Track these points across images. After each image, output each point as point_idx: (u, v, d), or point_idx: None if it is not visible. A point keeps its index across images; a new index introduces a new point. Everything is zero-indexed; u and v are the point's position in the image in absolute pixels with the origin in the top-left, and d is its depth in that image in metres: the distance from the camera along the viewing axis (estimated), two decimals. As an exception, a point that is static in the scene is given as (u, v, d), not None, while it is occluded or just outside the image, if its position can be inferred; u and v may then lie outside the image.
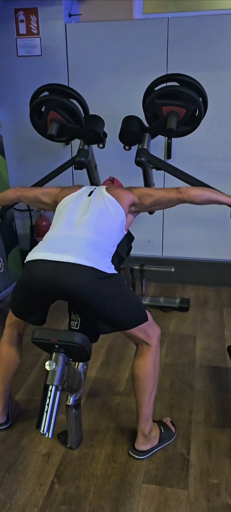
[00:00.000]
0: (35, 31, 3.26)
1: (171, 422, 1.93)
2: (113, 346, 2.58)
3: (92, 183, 2.62)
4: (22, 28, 3.28)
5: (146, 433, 1.76)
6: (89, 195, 1.90)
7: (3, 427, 1.95)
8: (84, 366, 1.89)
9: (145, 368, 1.71)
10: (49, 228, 1.85)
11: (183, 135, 2.30)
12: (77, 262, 1.56)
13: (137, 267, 2.97)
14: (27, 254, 3.58)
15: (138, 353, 1.74)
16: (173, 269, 2.86)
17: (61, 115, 2.40)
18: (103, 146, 2.43)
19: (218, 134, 3.11)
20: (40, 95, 2.46)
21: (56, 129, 2.37)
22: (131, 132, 2.21)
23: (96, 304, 1.60)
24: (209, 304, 3.10)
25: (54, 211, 2.08)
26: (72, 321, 1.79)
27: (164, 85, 2.21)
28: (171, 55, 3.02)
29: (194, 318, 2.92)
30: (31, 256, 1.68)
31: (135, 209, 1.94)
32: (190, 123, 2.25)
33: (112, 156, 2.94)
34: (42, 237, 3.54)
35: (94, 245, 1.66)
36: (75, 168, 2.48)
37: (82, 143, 2.40)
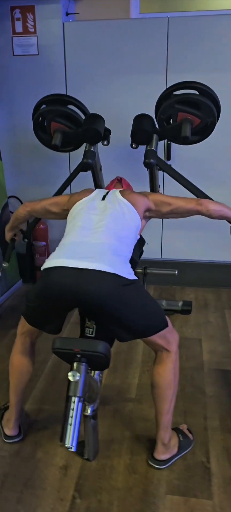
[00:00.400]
0: (32, 30, 3.19)
1: (187, 429, 1.91)
2: (119, 352, 2.55)
3: (96, 185, 2.58)
4: (19, 27, 3.20)
5: (166, 442, 1.74)
6: (103, 199, 1.87)
7: (16, 439, 1.89)
8: (100, 375, 1.85)
9: (165, 375, 1.69)
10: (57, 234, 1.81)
11: (191, 143, 2.29)
12: (100, 269, 1.53)
13: (139, 270, 2.93)
14: (24, 258, 3.54)
15: (158, 360, 1.71)
16: (176, 272, 2.85)
17: (63, 123, 2.37)
18: (108, 143, 2.41)
19: (218, 136, 3.09)
20: (39, 110, 2.42)
21: (60, 139, 2.36)
22: (145, 131, 2.17)
23: (120, 312, 1.56)
24: (210, 306, 3.11)
25: (63, 219, 2.04)
26: (87, 328, 1.75)
27: (184, 91, 2.20)
28: (171, 55, 3.00)
29: (196, 321, 2.92)
30: (49, 263, 1.62)
31: (149, 214, 1.92)
32: (199, 134, 2.25)
33: (110, 157, 2.91)
34: (40, 240, 3.51)
35: (115, 251, 1.63)
36: (81, 170, 2.44)
37: (88, 145, 2.37)
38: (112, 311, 1.55)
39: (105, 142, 2.37)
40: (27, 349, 1.84)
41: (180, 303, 3.02)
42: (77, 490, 1.66)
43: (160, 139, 2.31)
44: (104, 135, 2.35)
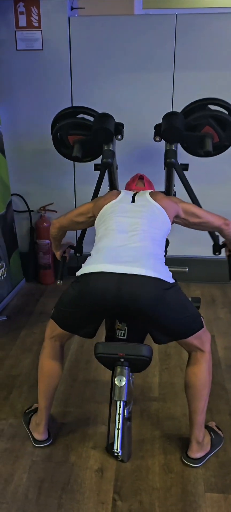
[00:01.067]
0: (36, 24, 3.12)
1: (216, 426, 1.94)
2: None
3: (112, 184, 2.56)
4: (22, 21, 3.13)
5: (200, 440, 1.77)
6: (132, 200, 1.87)
7: (47, 443, 1.88)
8: (132, 376, 1.85)
9: (201, 375, 1.71)
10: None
11: (201, 156, 2.33)
12: (144, 274, 1.53)
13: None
14: (27, 257, 3.51)
15: (192, 361, 1.73)
16: (187, 269, 2.87)
17: (79, 133, 2.38)
18: (122, 137, 2.41)
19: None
20: (54, 129, 2.45)
21: (79, 149, 2.36)
22: (179, 130, 2.19)
23: (162, 316, 1.57)
24: (218, 302, 3.16)
25: (91, 226, 2.02)
26: (119, 330, 1.75)
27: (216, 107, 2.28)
28: (178, 52, 3.00)
29: (206, 317, 2.95)
30: (88, 268, 1.61)
31: (176, 220, 1.93)
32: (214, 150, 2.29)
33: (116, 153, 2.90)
34: (44, 239, 3.48)
35: (154, 255, 1.63)
36: (96, 170, 2.44)
37: (106, 145, 2.35)
38: (155, 315, 1.56)
39: (119, 137, 2.36)
40: (57, 352, 1.83)
41: (189, 299, 3.05)
42: (116, 492, 1.66)
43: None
44: (118, 130, 2.34)
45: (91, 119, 2.41)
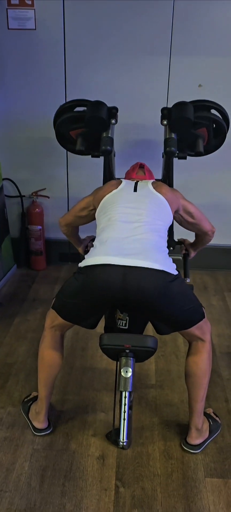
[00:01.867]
0: (29, 2, 3.03)
1: (213, 412, 1.99)
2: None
3: (110, 171, 2.54)
4: (15, -2, 3.03)
5: (199, 427, 1.80)
6: (135, 190, 1.86)
7: (47, 432, 1.88)
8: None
9: (202, 365, 1.74)
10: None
11: (189, 155, 2.38)
12: (149, 267, 1.53)
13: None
14: (18, 243, 3.46)
15: (193, 350, 1.76)
16: (181, 257, 2.89)
17: (79, 127, 2.35)
18: (116, 122, 2.38)
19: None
20: (57, 122, 2.41)
21: (82, 142, 2.33)
22: (191, 122, 2.18)
23: (167, 308, 1.59)
24: (210, 289, 3.20)
25: (94, 219, 2.01)
26: (120, 320, 1.76)
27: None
28: (175, 37, 2.95)
29: (199, 304, 3.00)
30: (92, 260, 1.60)
31: (174, 215, 1.93)
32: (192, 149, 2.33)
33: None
34: (36, 224, 3.43)
35: (158, 247, 1.64)
36: (94, 156, 2.41)
37: (105, 132, 2.32)
38: (160, 307, 1.58)
39: (113, 121, 2.32)
40: (58, 342, 1.83)
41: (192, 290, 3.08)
42: (119, 479, 1.69)
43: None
44: (111, 114, 2.31)
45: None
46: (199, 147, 2.22)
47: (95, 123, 2.27)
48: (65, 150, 3.28)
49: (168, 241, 2.24)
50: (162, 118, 2.28)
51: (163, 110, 2.30)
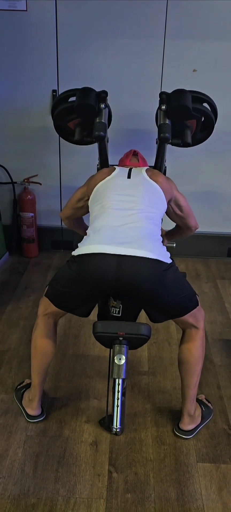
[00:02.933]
0: (20, -17, 2.96)
1: (205, 399, 2.01)
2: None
3: (102, 157, 2.52)
4: (5, -21, 2.96)
5: (192, 413, 1.82)
6: (128, 177, 1.85)
7: (40, 419, 1.89)
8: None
9: (195, 352, 1.75)
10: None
11: (175, 144, 2.35)
12: (142, 255, 1.53)
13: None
14: (10, 230, 3.43)
15: (187, 338, 1.77)
16: (174, 245, 2.89)
17: (76, 118, 2.31)
18: (106, 106, 2.35)
19: (220, 108, 3.09)
20: (54, 115, 2.38)
21: (79, 132, 2.31)
22: (190, 110, 2.16)
23: (161, 296, 1.59)
24: (202, 277, 3.21)
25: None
26: (113, 308, 1.76)
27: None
28: (170, 20, 2.91)
29: (191, 291, 3.01)
30: (86, 249, 1.60)
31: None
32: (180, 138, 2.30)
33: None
34: (28, 211, 3.41)
35: (152, 235, 1.64)
36: (87, 143, 2.39)
37: (98, 118, 2.30)
38: (154, 296, 1.58)
39: (102, 106, 2.29)
40: (51, 330, 1.82)
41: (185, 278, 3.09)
42: (112, 465, 1.70)
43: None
44: (101, 99, 2.28)
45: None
46: (187, 137, 2.21)
47: (85, 110, 2.24)
48: (58, 137, 3.26)
49: None
50: (161, 102, 2.25)
51: (162, 94, 2.27)
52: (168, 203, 1.90)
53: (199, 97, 2.26)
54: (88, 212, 1.88)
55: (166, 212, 2.00)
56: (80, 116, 2.27)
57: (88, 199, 1.88)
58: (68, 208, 2.05)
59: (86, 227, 2.15)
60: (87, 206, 1.90)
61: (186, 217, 2.01)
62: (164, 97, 2.23)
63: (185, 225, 2.08)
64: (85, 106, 2.22)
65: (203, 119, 2.29)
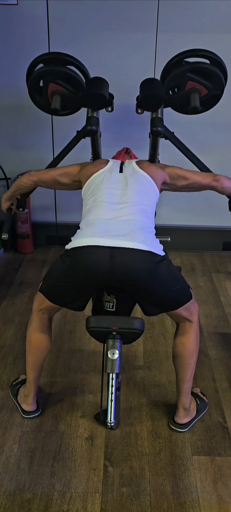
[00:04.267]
0: None
1: (201, 392, 2.01)
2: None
3: (95, 152, 2.51)
4: None
5: (187, 407, 1.83)
6: (121, 171, 1.84)
7: (36, 414, 1.89)
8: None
9: (189, 345, 1.75)
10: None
11: (196, 113, 2.29)
12: (136, 247, 1.53)
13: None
14: (7, 230, 3.42)
15: (180, 331, 1.77)
16: (169, 239, 2.89)
17: (62, 85, 2.25)
18: (112, 109, 2.33)
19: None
20: (36, 69, 2.27)
21: (60, 102, 2.22)
22: (157, 97, 2.13)
23: (154, 289, 1.59)
24: (197, 271, 3.22)
25: (73, 190, 2.00)
26: (107, 302, 1.76)
27: (195, 59, 2.17)
28: (161, 13, 2.89)
29: (186, 285, 3.01)
30: (79, 242, 1.59)
31: (164, 187, 1.93)
32: (204, 104, 2.25)
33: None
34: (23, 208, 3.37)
35: (145, 228, 1.64)
36: (83, 137, 2.37)
37: (90, 110, 2.29)
38: (147, 288, 1.58)
39: (109, 109, 2.29)
40: (46, 325, 1.82)
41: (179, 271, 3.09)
42: (107, 459, 1.71)
43: (164, 107, 2.28)
44: (108, 101, 2.28)
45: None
46: (191, 102, 2.11)
47: (96, 99, 2.19)
48: (51, 132, 3.25)
49: (229, 203, 2.15)
50: (137, 106, 2.25)
51: (137, 98, 2.26)
52: (164, 185, 1.89)
53: (178, 60, 2.20)
54: (66, 190, 1.93)
55: (175, 191, 1.96)
56: (90, 102, 2.22)
57: (77, 181, 1.88)
58: (48, 175, 1.99)
59: (10, 199, 2.14)
60: (71, 185, 1.92)
61: (194, 179, 1.89)
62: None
63: (204, 187, 1.93)
64: (101, 97, 2.18)
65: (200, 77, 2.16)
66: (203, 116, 2.47)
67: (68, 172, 1.96)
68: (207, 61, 2.18)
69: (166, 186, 1.93)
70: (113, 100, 2.36)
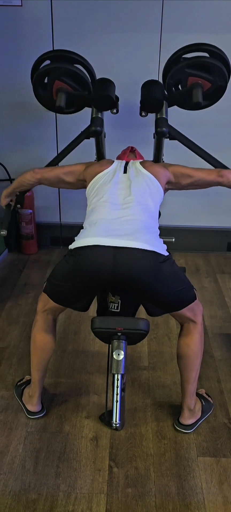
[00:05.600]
0: (15, -22, 2.95)
1: (206, 393, 2.01)
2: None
3: (99, 153, 2.51)
4: None
5: (192, 408, 1.82)
6: (125, 171, 1.84)
7: (40, 415, 1.89)
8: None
9: (193, 346, 1.75)
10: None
11: (201, 108, 2.28)
12: (140, 247, 1.53)
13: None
14: (9, 227, 3.43)
15: (185, 332, 1.77)
16: (173, 239, 2.88)
17: (67, 83, 2.24)
18: (117, 111, 2.33)
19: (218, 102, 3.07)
20: (42, 65, 2.27)
21: (65, 100, 2.22)
22: (156, 99, 2.13)
23: (157, 289, 1.59)
24: (202, 271, 3.21)
25: (77, 189, 2.00)
26: (112, 303, 1.76)
27: (193, 54, 2.16)
28: (166, 13, 2.89)
29: (191, 286, 3.01)
30: (82, 242, 1.59)
31: (168, 186, 1.92)
32: (209, 98, 2.24)
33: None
34: (26, 208, 3.40)
35: (149, 228, 1.64)
36: (87, 138, 2.37)
37: (95, 111, 2.29)
38: (151, 288, 1.57)
39: (114, 111, 2.28)
40: (50, 326, 1.82)
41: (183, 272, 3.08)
42: (112, 460, 1.70)
43: (169, 106, 2.28)
44: (114, 103, 2.27)
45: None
46: (193, 97, 2.10)
47: (102, 101, 2.20)
48: (55, 132, 3.25)
49: None
50: (141, 109, 2.24)
51: (141, 101, 2.25)
52: (169, 184, 1.88)
53: (176, 57, 2.20)
54: (70, 189, 1.91)
55: (180, 189, 1.95)
56: (98, 104, 2.22)
57: (82, 180, 1.88)
58: (53, 173, 1.99)
59: (10, 196, 2.13)
60: (76, 184, 1.92)
61: (198, 177, 1.88)
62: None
63: (209, 184, 1.93)
64: (109, 99, 2.19)
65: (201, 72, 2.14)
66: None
67: (74, 170, 1.96)
68: (207, 54, 2.18)
69: (171, 186, 1.92)
70: (118, 102, 2.35)
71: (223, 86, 2.16)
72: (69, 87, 2.24)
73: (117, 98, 2.30)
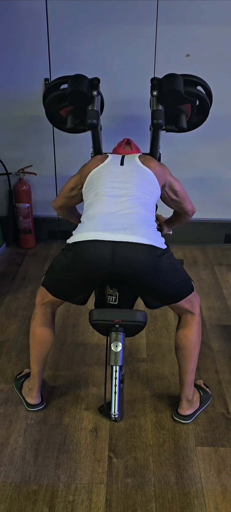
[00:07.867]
0: None
1: (204, 384, 2.02)
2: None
3: (96, 146, 2.51)
4: None
5: (190, 398, 1.84)
6: (121, 164, 1.84)
7: (40, 407, 1.90)
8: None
9: (192, 337, 1.76)
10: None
11: (171, 131, 2.32)
12: (138, 241, 1.54)
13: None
14: (6, 221, 3.42)
15: (183, 323, 1.78)
16: (171, 232, 2.89)
17: (68, 105, 2.27)
18: (98, 93, 2.31)
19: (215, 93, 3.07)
20: (45, 102, 2.35)
21: (71, 120, 2.28)
22: (181, 93, 2.13)
23: (156, 282, 1.59)
24: (199, 264, 3.22)
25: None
26: (109, 296, 1.77)
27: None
28: (161, 5, 2.89)
29: (189, 278, 3.02)
30: (80, 236, 1.60)
31: (161, 190, 1.92)
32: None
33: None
34: (24, 202, 3.40)
35: (147, 221, 1.64)
36: (80, 131, 2.37)
37: (91, 105, 2.28)
38: (149, 282, 1.58)
39: (94, 93, 2.26)
40: (49, 319, 1.83)
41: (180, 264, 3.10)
42: (112, 450, 1.72)
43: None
44: (93, 86, 2.25)
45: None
46: (182, 122, 2.18)
47: (77, 98, 2.21)
48: (52, 126, 3.24)
49: None
50: (152, 88, 2.23)
51: (153, 80, 2.24)
52: (162, 188, 1.89)
53: (192, 80, 2.23)
54: (82, 200, 1.86)
55: (162, 199, 1.99)
56: (73, 103, 2.24)
57: (81, 187, 1.87)
58: (61, 198, 2.04)
59: (79, 216, 2.13)
60: (81, 194, 1.88)
61: (182, 201, 2.00)
62: (155, 83, 2.20)
63: (182, 210, 2.07)
64: (78, 93, 2.19)
65: (197, 102, 2.26)
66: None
67: (72, 185, 1.97)
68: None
69: (162, 190, 1.92)
70: (104, 86, 2.35)
71: (186, 130, 2.24)
72: (72, 106, 2.28)
73: (97, 80, 2.25)
